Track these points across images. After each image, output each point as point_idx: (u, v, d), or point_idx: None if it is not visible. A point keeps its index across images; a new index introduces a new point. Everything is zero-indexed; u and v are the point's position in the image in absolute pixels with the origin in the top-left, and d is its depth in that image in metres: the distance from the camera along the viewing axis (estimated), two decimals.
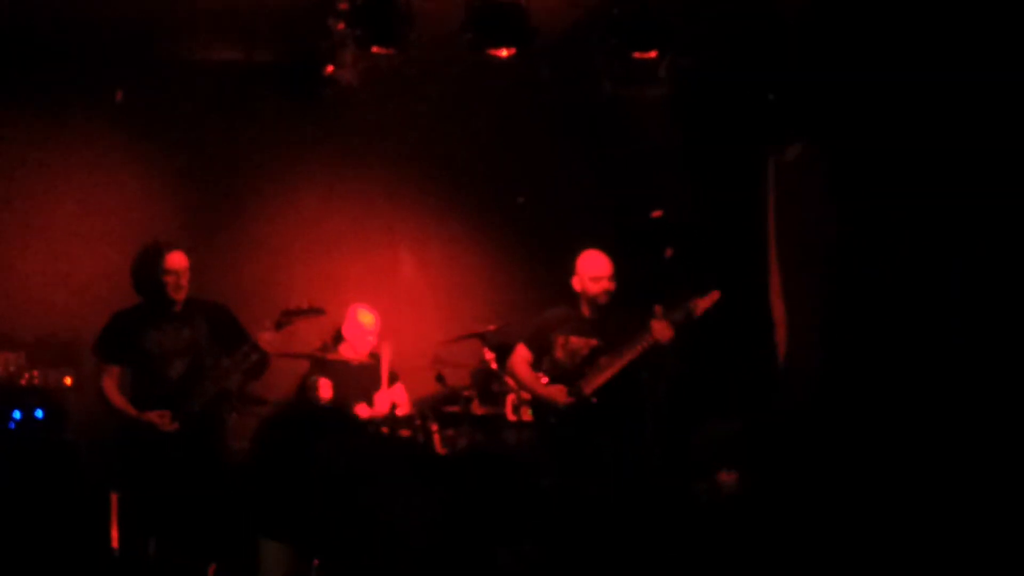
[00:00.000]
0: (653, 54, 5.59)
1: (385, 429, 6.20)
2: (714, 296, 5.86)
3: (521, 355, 6.18)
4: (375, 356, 6.81)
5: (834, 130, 5.88)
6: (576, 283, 6.11)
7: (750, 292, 6.59)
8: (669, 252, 6.21)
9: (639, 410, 5.98)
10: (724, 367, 6.70)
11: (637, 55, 5.58)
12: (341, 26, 5.55)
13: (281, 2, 5.97)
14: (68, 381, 6.37)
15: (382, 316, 6.92)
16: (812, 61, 5.85)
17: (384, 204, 7.49)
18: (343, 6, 5.46)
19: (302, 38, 6.07)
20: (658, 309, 5.88)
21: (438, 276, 7.59)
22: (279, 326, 5.76)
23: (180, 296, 5.77)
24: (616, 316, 6.12)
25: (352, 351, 6.78)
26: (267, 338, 5.72)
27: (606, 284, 6.00)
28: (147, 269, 5.74)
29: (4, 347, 6.29)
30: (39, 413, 6.17)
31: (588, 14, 5.83)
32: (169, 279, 5.70)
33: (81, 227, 6.91)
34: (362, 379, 6.61)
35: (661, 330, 5.79)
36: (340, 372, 6.62)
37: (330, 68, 5.96)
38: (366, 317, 6.79)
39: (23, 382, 6.23)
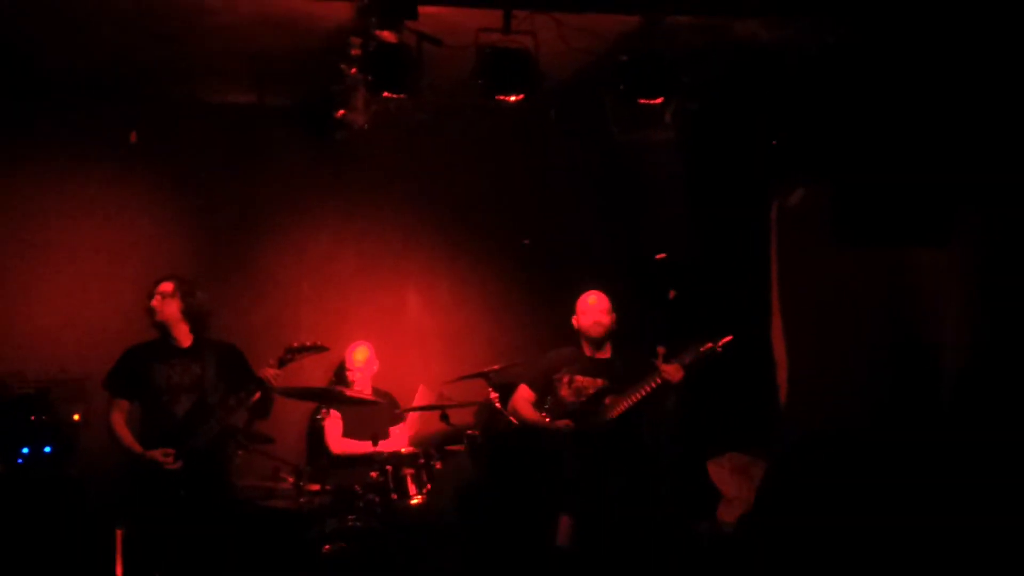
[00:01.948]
0: (659, 100, 5.65)
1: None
2: (726, 340, 5.93)
3: (523, 395, 6.24)
4: (380, 393, 6.88)
5: (837, 175, 5.95)
6: (575, 320, 6.20)
7: (752, 333, 6.64)
8: (672, 294, 6.28)
9: (644, 449, 6.04)
10: (726, 407, 6.74)
11: (643, 101, 5.64)
12: (353, 71, 5.62)
13: (294, 47, 6.04)
14: (77, 417, 6.41)
15: (389, 355, 7.00)
16: (814, 107, 5.94)
17: (393, 245, 7.56)
18: (355, 52, 5.53)
19: (315, 82, 6.15)
20: (661, 350, 5.94)
21: (444, 316, 7.64)
22: (282, 363, 5.83)
23: (160, 318, 5.82)
24: (623, 356, 6.19)
25: (357, 389, 6.85)
26: (271, 374, 5.79)
27: (596, 316, 6.12)
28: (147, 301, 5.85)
29: (17, 383, 6.34)
30: (47, 448, 6.21)
31: (595, 60, 5.90)
32: (153, 302, 5.80)
33: (94, 266, 6.98)
34: (366, 416, 6.68)
35: (672, 372, 5.86)
36: (346, 409, 6.69)
37: (341, 112, 6.02)
38: (359, 352, 6.89)
39: (32, 417, 6.26)
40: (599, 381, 6.13)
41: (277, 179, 7.25)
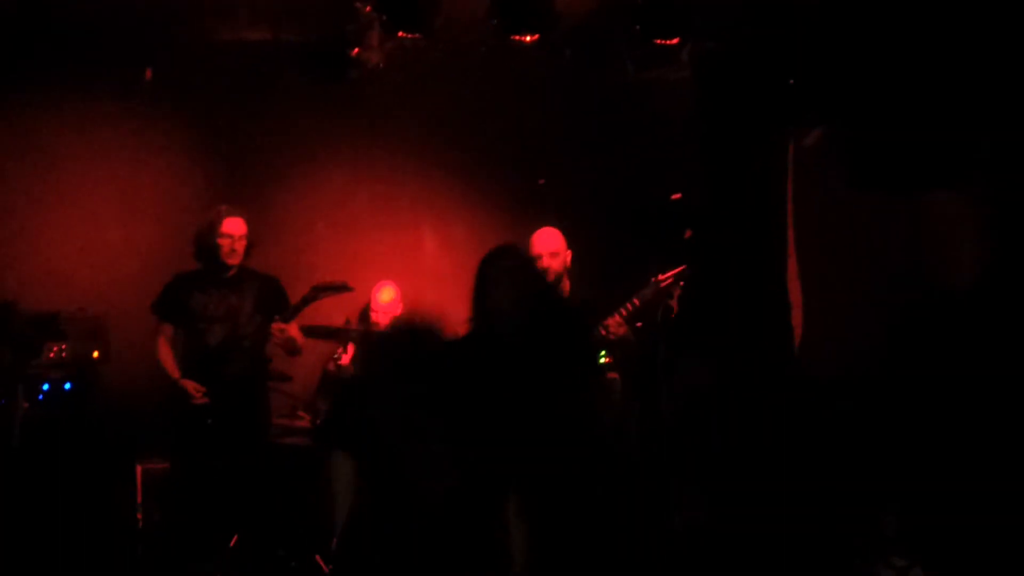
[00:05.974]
0: (675, 41, 5.61)
1: None
2: (677, 271, 5.67)
3: None
4: None
5: (854, 117, 5.92)
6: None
7: (768, 275, 6.64)
8: (688, 234, 6.24)
9: (653, 387, 5.95)
10: (741, 350, 6.74)
11: (659, 41, 5.59)
12: (368, 9, 5.59)
13: None
14: (96, 355, 6.45)
15: (405, 294, 7.01)
16: (832, 48, 5.89)
17: (408, 184, 7.54)
18: None
19: (329, 20, 6.11)
20: (659, 278, 5.70)
21: (460, 255, 7.63)
22: (306, 301, 5.84)
23: (233, 261, 5.87)
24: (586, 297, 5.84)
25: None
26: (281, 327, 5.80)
27: (546, 261, 5.70)
28: (206, 232, 5.87)
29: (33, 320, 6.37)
30: (68, 386, 6.27)
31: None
32: (223, 242, 5.83)
33: (110, 205, 6.99)
34: None
35: (614, 327, 5.61)
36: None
37: (356, 50, 5.99)
38: (384, 293, 6.88)
39: (51, 355, 6.29)
40: None
41: (291, 118, 7.21)
